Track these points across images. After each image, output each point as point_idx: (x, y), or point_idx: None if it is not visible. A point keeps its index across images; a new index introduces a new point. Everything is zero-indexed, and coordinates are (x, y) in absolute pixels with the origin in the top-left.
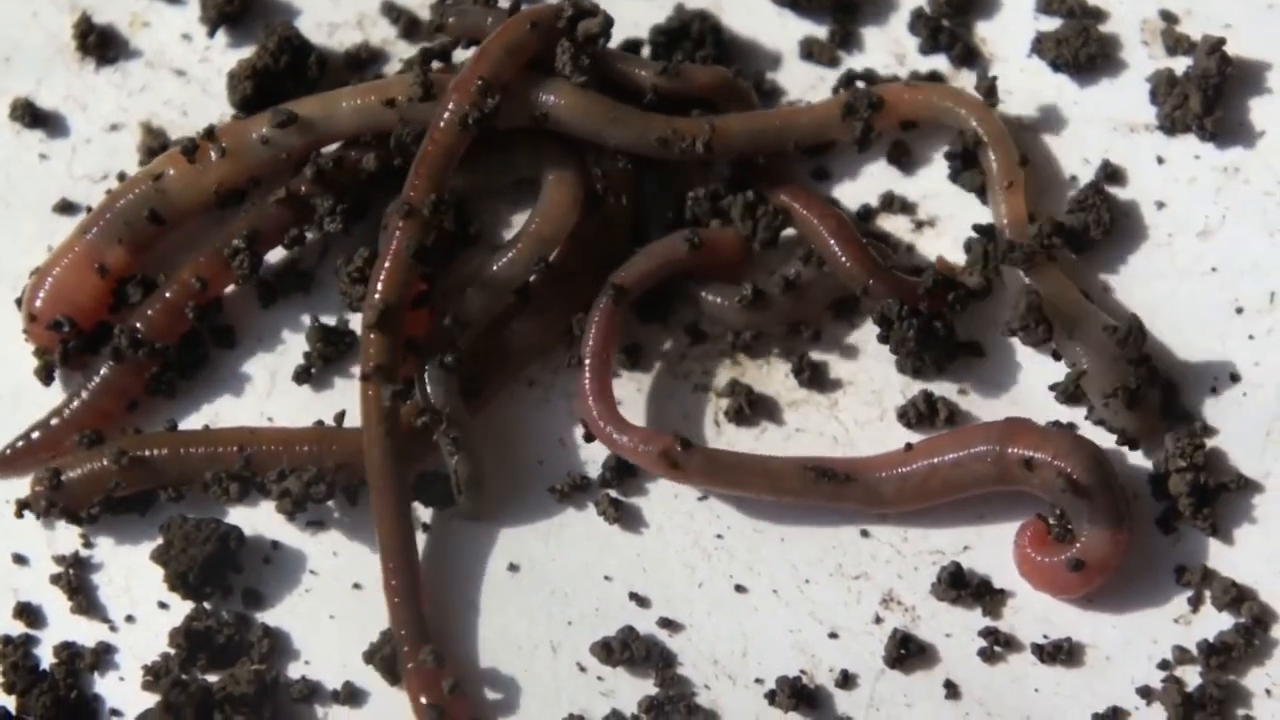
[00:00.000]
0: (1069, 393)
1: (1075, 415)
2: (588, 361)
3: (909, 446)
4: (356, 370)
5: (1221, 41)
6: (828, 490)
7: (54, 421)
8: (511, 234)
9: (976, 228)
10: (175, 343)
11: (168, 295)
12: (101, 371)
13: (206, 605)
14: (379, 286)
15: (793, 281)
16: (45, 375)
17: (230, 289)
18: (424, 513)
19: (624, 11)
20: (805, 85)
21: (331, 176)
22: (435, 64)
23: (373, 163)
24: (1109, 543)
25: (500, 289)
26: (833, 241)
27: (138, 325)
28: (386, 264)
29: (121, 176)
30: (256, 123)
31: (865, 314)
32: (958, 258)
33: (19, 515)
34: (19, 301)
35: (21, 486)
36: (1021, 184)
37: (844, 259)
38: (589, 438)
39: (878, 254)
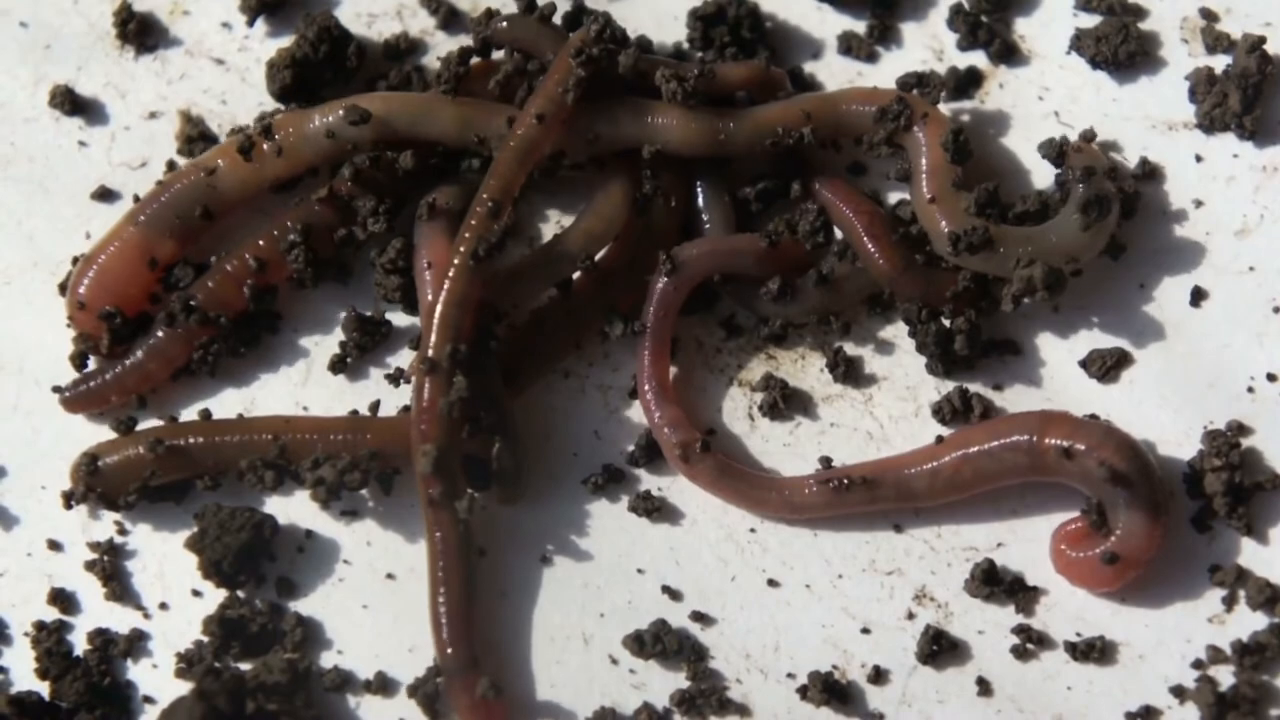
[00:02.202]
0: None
1: (1112, 410)
2: (649, 328)
3: (940, 439)
4: (391, 361)
5: (1262, 40)
6: (855, 498)
7: (106, 377)
8: (548, 226)
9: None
10: (231, 317)
11: (228, 269)
12: (155, 334)
13: (240, 593)
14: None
15: (826, 276)
16: (80, 362)
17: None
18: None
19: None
20: (844, 80)
21: (369, 176)
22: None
23: (409, 160)
24: (1146, 534)
25: (544, 283)
26: (865, 237)
27: (196, 294)
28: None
29: (171, 165)
30: (318, 115)
31: (900, 310)
32: None
33: (67, 507)
34: (63, 287)
35: (62, 476)
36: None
37: (875, 255)
38: (633, 394)
39: (910, 252)
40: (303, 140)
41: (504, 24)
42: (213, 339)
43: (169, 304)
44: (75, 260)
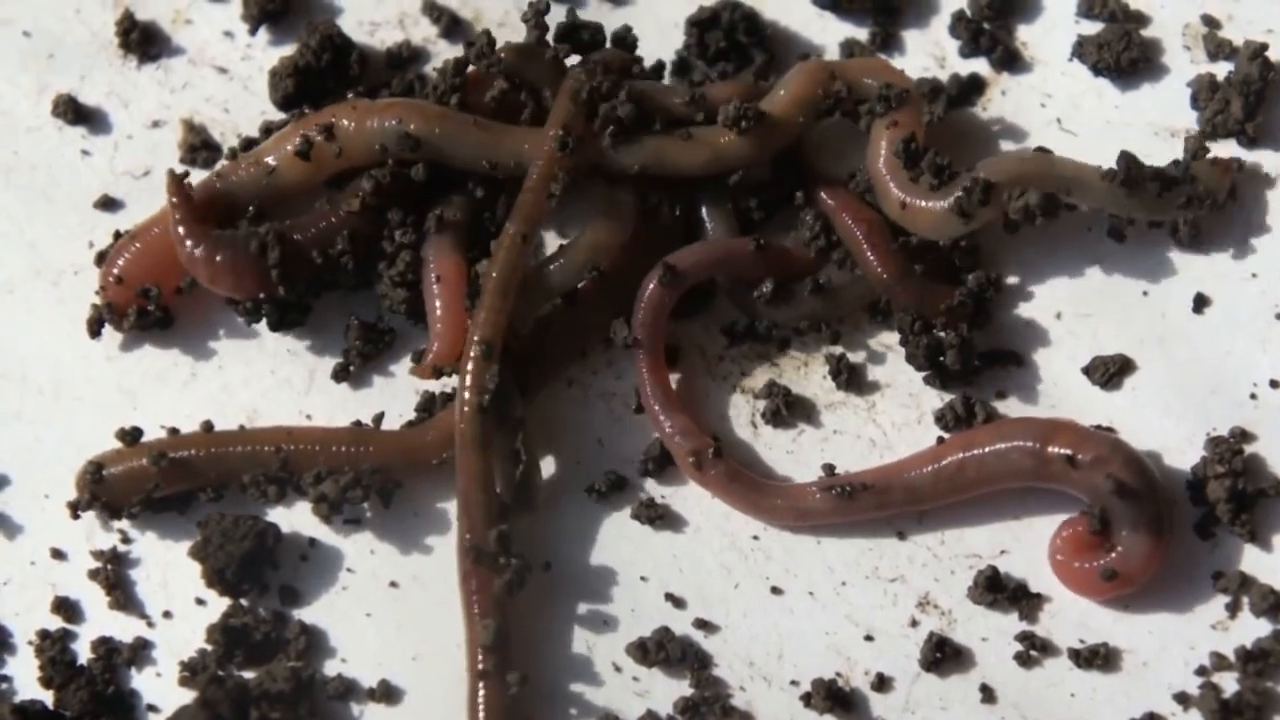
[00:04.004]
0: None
1: (1115, 417)
2: (642, 339)
3: (941, 440)
4: (394, 369)
5: (1264, 47)
6: (862, 505)
7: (199, 251)
8: (552, 233)
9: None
10: (305, 274)
11: (323, 224)
12: (244, 247)
13: (244, 602)
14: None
15: (823, 285)
16: (95, 329)
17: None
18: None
19: (659, 7)
20: None
21: (388, 188)
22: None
23: (421, 173)
24: (1148, 552)
25: (550, 293)
26: (864, 245)
27: (296, 235)
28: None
29: (232, 167)
30: (376, 117)
31: (895, 319)
32: None
33: (75, 517)
34: (100, 257)
35: (65, 485)
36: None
37: (873, 262)
38: (639, 409)
39: (908, 261)
40: (363, 138)
41: (511, 55)
42: (264, 300)
43: (264, 233)
44: (117, 236)
